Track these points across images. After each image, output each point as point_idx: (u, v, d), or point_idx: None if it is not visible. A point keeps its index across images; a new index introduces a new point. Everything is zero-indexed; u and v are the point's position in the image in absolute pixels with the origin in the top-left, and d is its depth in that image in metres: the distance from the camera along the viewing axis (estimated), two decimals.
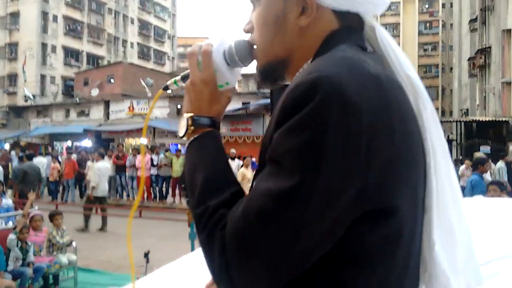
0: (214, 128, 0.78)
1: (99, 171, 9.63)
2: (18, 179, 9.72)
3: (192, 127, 0.77)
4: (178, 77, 0.87)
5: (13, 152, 15.99)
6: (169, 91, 0.95)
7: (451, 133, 24.51)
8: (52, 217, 5.79)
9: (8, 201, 6.88)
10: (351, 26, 0.73)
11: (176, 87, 0.89)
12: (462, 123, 20.21)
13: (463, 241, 0.71)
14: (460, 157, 17.27)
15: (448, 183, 0.70)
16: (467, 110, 27.64)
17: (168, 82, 0.89)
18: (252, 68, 0.87)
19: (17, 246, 4.98)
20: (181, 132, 0.78)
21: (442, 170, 0.69)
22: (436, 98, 42.92)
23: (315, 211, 0.57)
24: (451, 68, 38.34)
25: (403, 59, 0.72)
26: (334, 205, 0.57)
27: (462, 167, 11.82)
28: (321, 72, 0.60)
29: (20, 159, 11.32)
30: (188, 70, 0.83)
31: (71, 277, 5.75)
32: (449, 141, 19.23)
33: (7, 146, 22.73)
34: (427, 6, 44.12)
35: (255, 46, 0.80)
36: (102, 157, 10.70)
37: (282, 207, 0.58)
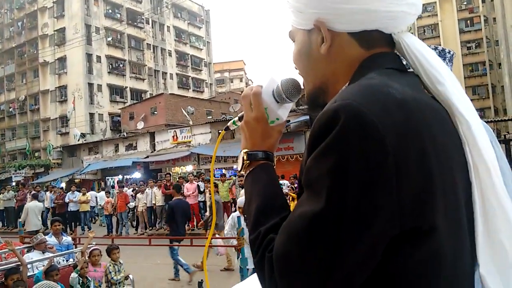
0: (267, 160, 0.86)
1: None
2: None
3: (247, 161, 0.85)
4: (236, 118, 0.96)
5: (48, 193, 16.65)
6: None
7: (508, 132, 23.02)
8: (110, 251, 5.92)
9: (68, 238, 7.11)
10: (383, 51, 0.76)
11: (235, 126, 0.98)
12: None
13: None
14: None
15: (495, 200, 0.67)
16: None
17: (228, 124, 0.99)
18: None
19: (79, 283, 5.12)
20: (239, 167, 0.87)
21: (488, 186, 0.67)
22: (487, 96, 40.68)
23: (348, 232, 0.59)
24: (499, 64, 36.33)
25: (432, 73, 0.72)
26: (366, 226, 0.59)
27: None
28: (342, 100, 0.63)
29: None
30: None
31: None
32: (506, 141, 17.99)
33: (63, 185, 23.93)
34: (465, 3, 42.33)
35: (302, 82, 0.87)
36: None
37: (315, 229, 0.61)
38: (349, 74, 0.76)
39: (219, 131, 23.38)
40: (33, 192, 15.15)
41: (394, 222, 0.59)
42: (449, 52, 1.24)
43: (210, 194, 9.03)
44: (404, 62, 0.79)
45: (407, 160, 0.59)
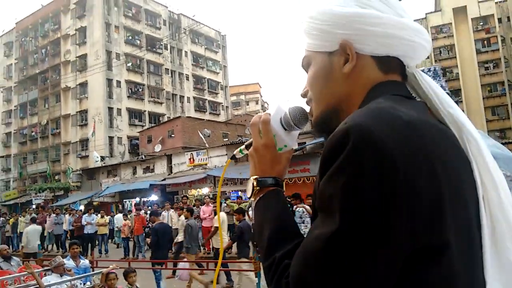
0: (277, 186, 0.87)
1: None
2: None
3: (257, 188, 0.86)
4: (243, 146, 0.97)
5: (67, 216, 16.95)
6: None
7: None
8: (126, 275, 5.91)
9: (85, 261, 7.14)
10: (393, 79, 0.80)
11: (242, 155, 0.98)
12: None
13: None
14: None
15: (503, 218, 0.68)
16: None
17: (235, 152, 0.99)
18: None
19: None
20: (248, 193, 0.87)
21: (495, 204, 0.68)
22: (506, 117, 39.80)
23: (364, 252, 0.59)
24: None
25: (443, 98, 0.77)
26: (381, 245, 0.59)
27: None
28: (353, 121, 0.65)
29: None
30: (251, 139, 0.93)
31: None
32: None
33: (82, 207, 24.18)
34: (481, 23, 42.10)
35: (308, 109, 0.90)
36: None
37: (331, 250, 0.61)
38: (362, 97, 0.79)
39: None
40: (33, 215, 15.84)
41: (408, 240, 0.60)
42: (437, 69, 1.30)
43: (184, 219, 9.18)
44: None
45: (417, 178, 0.60)
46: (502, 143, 0.99)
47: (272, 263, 0.72)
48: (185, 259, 8.47)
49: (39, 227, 13.86)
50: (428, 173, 0.61)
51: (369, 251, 0.59)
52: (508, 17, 35.90)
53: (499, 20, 41.12)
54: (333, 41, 0.81)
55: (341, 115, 0.82)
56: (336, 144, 0.64)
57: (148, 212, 15.17)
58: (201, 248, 11.33)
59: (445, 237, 0.62)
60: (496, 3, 41.60)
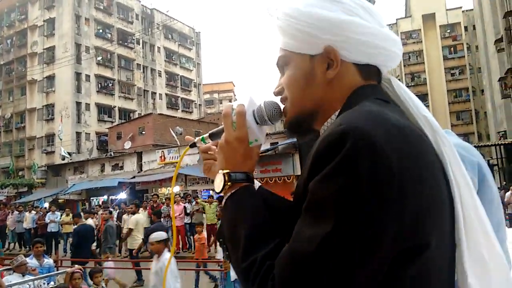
0: (249, 182, 0.83)
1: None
2: None
3: (229, 183, 0.81)
4: (206, 135, 0.92)
5: (28, 214, 16.40)
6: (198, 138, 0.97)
7: (491, 157, 23.43)
8: (92, 275, 5.77)
9: (49, 260, 6.92)
10: (373, 83, 0.81)
11: (204, 144, 0.94)
12: (502, 147, 19.40)
13: (498, 273, 0.71)
14: (504, 183, 16.38)
15: (475, 215, 0.71)
16: (505, 132, 26.36)
17: (196, 140, 0.95)
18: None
19: None
20: (217, 188, 0.82)
21: (469, 203, 0.71)
22: (470, 122, 41.53)
23: (358, 254, 0.60)
24: (482, 91, 37.32)
25: (418, 103, 0.79)
26: (375, 247, 0.60)
27: (508, 194, 11.20)
28: (349, 123, 0.65)
29: None
30: (217, 128, 0.91)
31: None
32: (490, 167, 18.22)
33: (46, 205, 23.37)
34: (449, 30, 43.67)
35: (282, 106, 0.88)
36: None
37: (324, 253, 0.60)
38: (342, 101, 0.79)
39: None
40: None
41: (397, 242, 0.61)
42: None
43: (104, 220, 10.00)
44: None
45: (408, 182, 0.62)
46: None
47: (252, 265, 0.69)
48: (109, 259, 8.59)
49: None
50: (418, 178, 0.63)
51: (362, 255, 0.60)
52: (474, 26, 37.35)
53: (466, 28, 42.74)
54: (317, 45, 0.80)
55: (317, 119, 0.84)
56: (333, 144, 0.64)
57: (117, 210, 14.88)
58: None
59: (428, 238, 0.63)
60: (463, 11, 43.25)
